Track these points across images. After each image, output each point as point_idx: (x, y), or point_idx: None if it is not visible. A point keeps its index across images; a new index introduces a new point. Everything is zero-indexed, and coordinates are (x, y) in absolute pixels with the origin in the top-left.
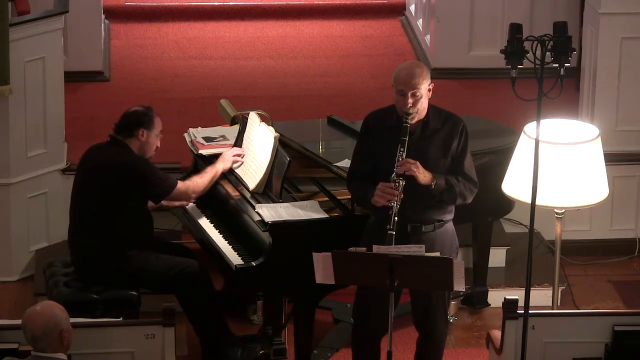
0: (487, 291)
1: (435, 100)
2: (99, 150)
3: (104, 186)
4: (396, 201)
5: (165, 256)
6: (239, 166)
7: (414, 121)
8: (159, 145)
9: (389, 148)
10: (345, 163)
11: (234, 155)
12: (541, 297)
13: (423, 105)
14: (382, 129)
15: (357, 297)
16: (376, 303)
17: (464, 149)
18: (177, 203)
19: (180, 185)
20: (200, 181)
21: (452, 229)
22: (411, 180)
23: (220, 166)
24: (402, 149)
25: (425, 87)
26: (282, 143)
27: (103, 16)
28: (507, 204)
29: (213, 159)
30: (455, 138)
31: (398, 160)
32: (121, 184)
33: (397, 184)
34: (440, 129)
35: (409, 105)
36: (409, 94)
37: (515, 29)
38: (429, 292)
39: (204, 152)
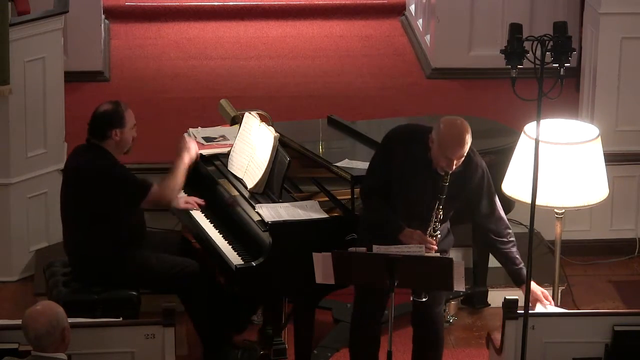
0: (487, 291)
1: (435, 100)
2: (78, 155)
3: (85, 191)
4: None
5: (165, 256)
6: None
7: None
8: (135, 135)
9: (413, 181)
10: (346, 163)
11: (196, 152)
12: None
13: None
14: (408, 159)
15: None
16: (373, 292)
17: (490, 191)
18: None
19: (156, 187)
20: (172, 179)
21: (448, 226)
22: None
23: (186, 159)
24: (440, 207)
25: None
26: (282, 143)
27: (103, 16)
28: (507, 204)
29: (213, 159)
30: (475, 181)
31: (436, 217)
32: (99, 190)
33: (435, 238)
34: (462, 171)
35: (454, 168)
36: (455, 159)
37: (515, 29)
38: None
39: (204, 152)
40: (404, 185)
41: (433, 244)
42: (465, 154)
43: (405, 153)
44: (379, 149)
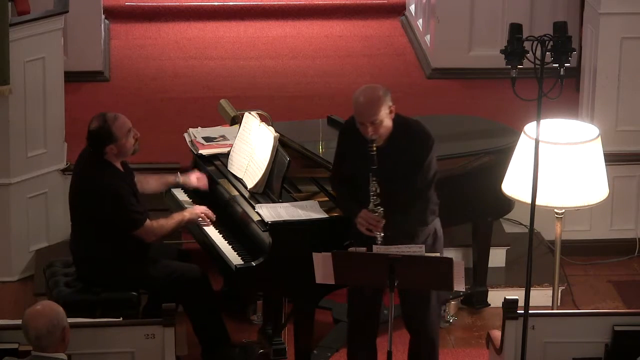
0: (487, 291)
1: (435, 100)
2: (83, 164)
3: (86, 204)
4: (380, 230)
5: (165, 261)
6: (203, 223)
7: (378, 144)
8: (137, 136)
9: (357, 162)
10: None
11: (203, 212)
12: (541, 297)
13: (386, 127)
14: (352, 141)
15: (349, 296)
16: (366, 300)
17: (429, 165)
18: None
19: (149, 223)
20: (165, 224)
21: (436, 227)
22: (389, 200)
23: (187, 214)
24: (373, 179)
25: (384, 112)
26: (282, 143)
27: (103, 16)
28: (507, 204)
29: (213, 159)
30: (413, 151)
31: (372, 191)
32: (98, 208)
33: (378, 213)
34: (406, 145)
35: (371, 133)
36: (368, 124)
37: (515, 29)
38: (416, 292)
39: (203, 152)
40: (355, 171)
41: (377, 221)
42: (378, 118)
43: (349, 139)
44: (337, 138)
